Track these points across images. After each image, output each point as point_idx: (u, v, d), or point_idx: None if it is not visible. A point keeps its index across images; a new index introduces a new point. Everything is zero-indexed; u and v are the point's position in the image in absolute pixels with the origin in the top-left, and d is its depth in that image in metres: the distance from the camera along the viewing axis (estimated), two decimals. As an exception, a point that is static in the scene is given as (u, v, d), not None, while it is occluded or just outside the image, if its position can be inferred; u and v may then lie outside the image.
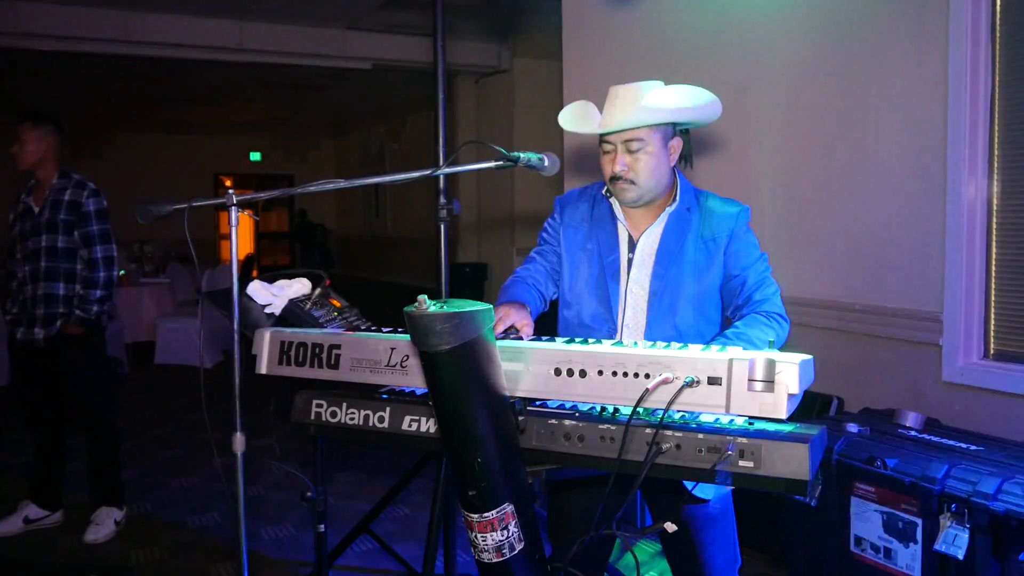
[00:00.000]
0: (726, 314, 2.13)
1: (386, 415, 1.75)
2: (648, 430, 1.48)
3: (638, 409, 1.47)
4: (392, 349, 1.71)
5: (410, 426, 1.72)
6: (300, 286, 2.53)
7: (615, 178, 2.04)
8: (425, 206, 3.06)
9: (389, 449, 5.12)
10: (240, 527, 2.08)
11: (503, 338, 1.73)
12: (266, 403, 2.32)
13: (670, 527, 1.53)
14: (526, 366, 1.57)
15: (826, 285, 3.60)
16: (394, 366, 1.71)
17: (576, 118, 2.10)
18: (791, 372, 1.39)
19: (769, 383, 1.39)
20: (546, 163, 2.03)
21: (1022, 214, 2.97)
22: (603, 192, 2.19)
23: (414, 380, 1.68)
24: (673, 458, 1.46)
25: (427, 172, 2.11)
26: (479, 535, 1.54)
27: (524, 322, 1.87)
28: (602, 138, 2.07)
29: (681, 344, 1.65)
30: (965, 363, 3.06)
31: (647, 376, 1.47)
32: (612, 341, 1.74)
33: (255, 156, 19.54)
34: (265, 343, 1.91)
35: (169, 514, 4.24)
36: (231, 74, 11.11)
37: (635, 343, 1.67)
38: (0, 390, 6.86)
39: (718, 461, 1.42)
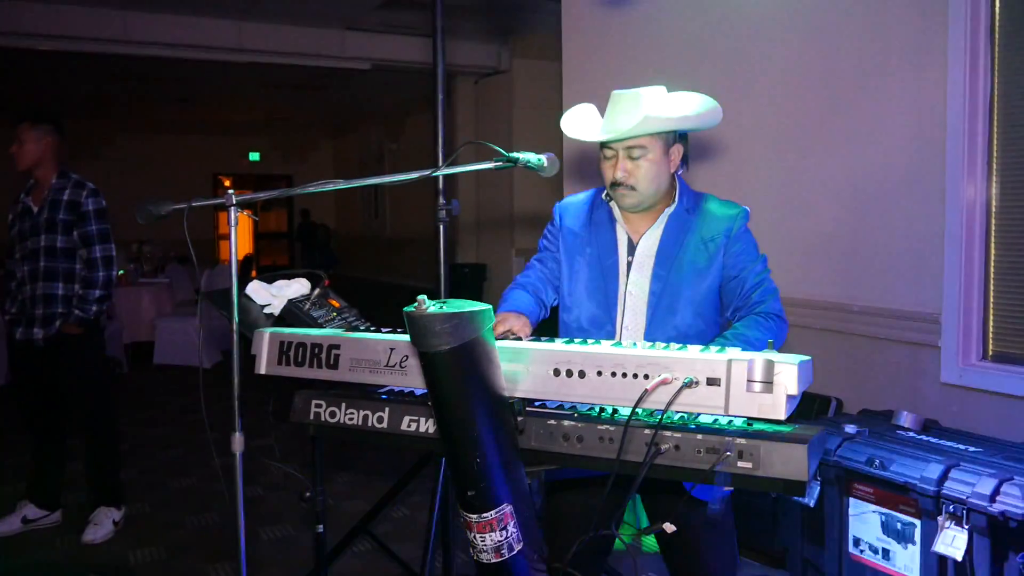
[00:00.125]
0: (725, 315, 2.13)
1: (385, 415, 1.75)
2: (647, 431, 1.48)
3: (637, 410, 1.47)
4: (391, 349, 1.71)
5: (409, 426, 1.72)
6: (299, 286, 2.53)
7: (616, 184, 2.05)
8: (424, 207, 3.06)
9: (388, 449, 5.12)
10: (239, 527, 2.08)
11: (503, 338, 1.73)
12: (265, 403, 2.32)
13: (669, 528, 1.53)
14: (525, 367, 1.57)
15: (825, 286, 3.60)
16: (393, 366, 1.71)
17: (578, 124, 2.10)
18: (790, 373, 1.39)
19: (768, 384, 1.39)
20: (545, 164, 2.03)
21: (1021, 216, 2.97)
22: (603, 196, 2.20)
23: (413, 380, 1.68)
24: (672, 459, 1.47)
25: (426, 173, 2.11)
26: (478, 535, 1.54)
27: (524, 331, 1.88)
28: (603, 144, 2.08)
29: (680, 345, 1.65)
30: (963, 364, 3.06)
31: (646, 377, 1.47)
32: (611, 342, 1.74)
33: (254, 156, 19.53)
34: (264, 343, 1.91)
35: (168, 514, 4.24)
36: (230, 74, 11.11)
37: (634, 344, 1.67)
38: (-1, 390, 6.86)
39: (717, 462, 1.43)
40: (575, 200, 2.28)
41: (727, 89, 3.95)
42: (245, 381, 2.07)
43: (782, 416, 1.39)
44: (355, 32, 9.64)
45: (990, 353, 3.07)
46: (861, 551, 2.65)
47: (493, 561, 1.55)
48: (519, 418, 1.58)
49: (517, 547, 1.55)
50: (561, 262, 2.22)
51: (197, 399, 6.75)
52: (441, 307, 1.42)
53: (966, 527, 2.30)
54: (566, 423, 1.56)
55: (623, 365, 1.50)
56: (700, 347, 1.61)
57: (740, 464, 1.42)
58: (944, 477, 2.39)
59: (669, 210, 2.11)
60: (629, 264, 2.11)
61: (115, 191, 5.82)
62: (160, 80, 11.68)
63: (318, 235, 18.35)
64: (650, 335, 2.06)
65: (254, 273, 12.77)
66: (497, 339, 1.78)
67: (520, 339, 1.77)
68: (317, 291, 2.48)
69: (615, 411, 1.58)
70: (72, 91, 12.55)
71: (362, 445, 5.23)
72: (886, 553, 2.56)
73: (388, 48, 9.88)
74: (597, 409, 1.60)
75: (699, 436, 1.45)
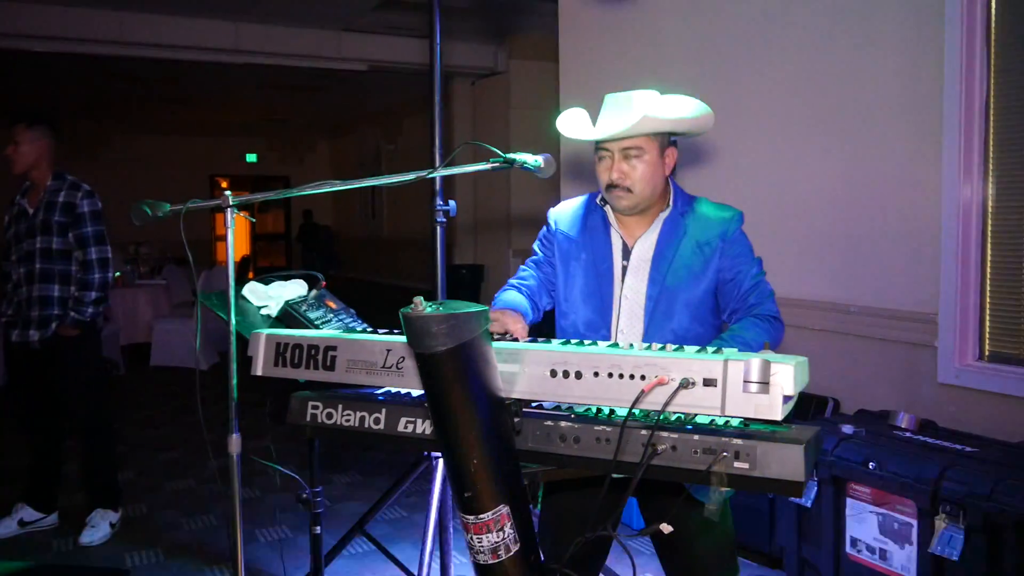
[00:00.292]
0: (722, 318, 2.14)
1: (382, 416, 1.75)
2: (644, 432, 1.48)
3: (634, 411, 1.47)
4: (388, 351, 1.71)
5: (406, 428, 1.72)
6: (296, 288, 2.53)
7: (611, 186, 2.05)
8: (421, 208, 3.06)
9: (385, 451, 5.12)
10: (236, 529, 2.08)
11: (500, 339, 1.73)
12: (262, 405, 2.32)
13: (666, 528, 1.53)
14: (522, 367, 1.57)
15: (821, 287, 3.61)
16: (390, 368, 1.71)
17: (574, 125, 2.10)
18: (786, 374, 1.39)
19: (764, 385, 1.39)
20: (542, 165, 2.03)
21: (1017, 217, 2.98)
22: (597, 200, 2.20)
23: (410, 382, 1.68)
24: (669, 459, 1.47)
25: (423, 173, 2.11)
26: (475, 537, 1.54)
27: (519, 326, 1.88)
28: (599, 146, 2.08)
29: (676, 346, 1.65)
30: (960, 365, 3.07)
31: (643, 378, 1.47)
32: (608, 343, 1.74)
33: (251, 157, 19.53)
34: (261, 345, 1.91)
35: (165, 516, 4.24)
36: (227, 75, 11.11)
37: (631, 345, 1.67)
38: (-5, 392, 6.84)
39: (713, 463, 1.43)
40: (569, 205, 2.28)
41: (723, 90, 3.95)
42: (242, 383, 2.07)
43: (778, 417, 1.39)
44: (352, 33, 9.64)
45: (986, 353, 3.07)
46: (858, 551, 2.65)
47: (490, 562, 1.55)
48: (516, 419, 1.58)
49: (514, 548, 1.55)
50: (556, 267, 2.22)
51: (194, 401, 6.74)
52: (438, 308, 1.42)
53: (963, 527, 2.30)
54: (563, 424, 1.56)
55: (620, 366, 1.50)
56: (696, 348, 1.61)
57: (737, 465, 1.42)
58: (941, 477, 2.39)
59: (664, 214, 2.12)
60: (624, 269, 2.12)
61: (112, 192, 5.82)
62: (157, 81, 11.68)
63: (320, 236, 18.35)
64: (647, 339, 2.06)
65: (251, 274, 12.76)
66: (494, 337, 1.79)
67: (517, 339, 1.77)
68: (314, 292, 2.48)
69: (612, 412, 1.58)
70: (69, 92, 12.54)
71: (359, 446, 5.23)
72: (883, 553, 2.57)
73: (385, 49, 9.88)
74: (594, 410, 1.60)
75: (696, 437, 1.45)
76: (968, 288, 3.06)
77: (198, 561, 3.69)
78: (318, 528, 2.69)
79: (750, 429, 1.48)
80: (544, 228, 2.30)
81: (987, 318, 3.07)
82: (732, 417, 1.48)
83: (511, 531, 1.54)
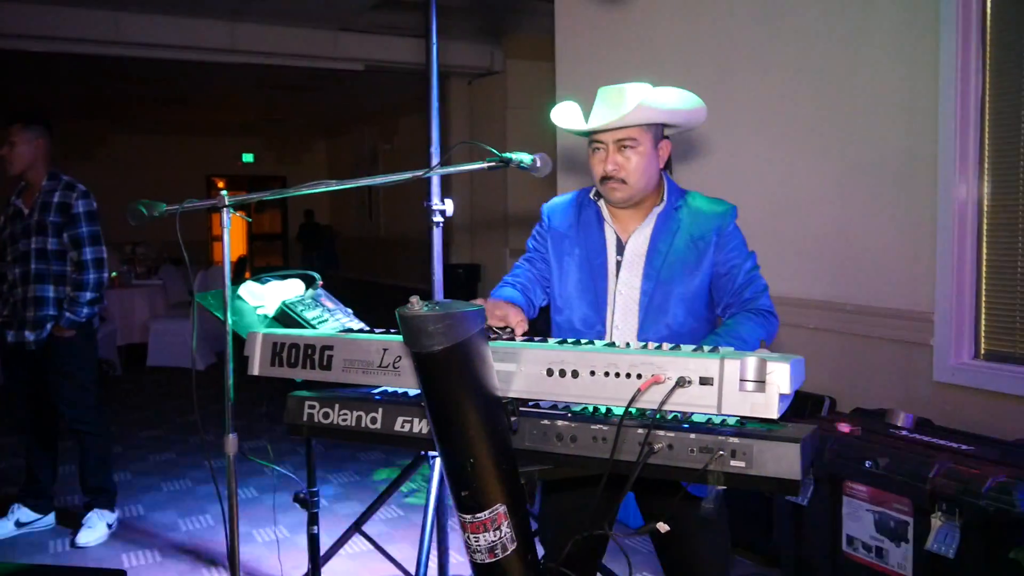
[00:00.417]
0: (716, 312, 2.14)
1: (379, 416, 1.75)
2: (640, 430, 1.48)
3: (630, 409, 1.47)
4: (385, 350, 1.71)
5: (403, 427, 1.72)
6: (293, 287, 2.53)
7: (606, 178, 2.05)
8: (419, 207, 3.06)
9: (382, 450, 5.12)
10: (233, 529, 2.08)
11: (497, 337, 1.73)
12: (259, 405, 2.32)
13: (663, 527, 1.53)
14: (518, 367, 1.57)
15: (818, 285, 3.61)
16: (387, 367, 1.71)
17: (568, 117, 2.10)
18: (782, 372, 1.39)
19: (760, 383, 1.40)
20: (538, 164, 2.03)
21: (1012, 214, 2.99)
22: (591, 196, 2.20)
23: (407, 381, 1.68)
24: (665, 458, 1.47)
25: (420, 173, 2.12)
26: (472, 536, 1.54)
27: (519, 318, 1.87)
28: (592, 138, 2.08)
29: (672, 344, 1.65)
30: (956, 363, 3.07)
31: (639, 376, 1.48)
32: (604, 342, 1.74)
33: (247, 157, 19.50)
34: (257, 345, 1.91)
35: (161, 517, 4.23)
36: (223, 75, 11.09)
37: (627, 343, 1.68)
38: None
39: (710, 461, 1.43)
40: (562, 200, 2.28)
41: (719, 89, 3.96)
42: (239, 383, 2.07)
43: (775, 415, 1.40)
44: (348, 33, 9.63)
45: (982, 352, 3.08)
46: (855, 549, 2.66)
47: (487, 561, 1.55)
48: (512, 418, 1.58)
49: (511, 547, 1.55)
50: (551, 263, 2.22)
51: (191, 401, 6.74)
52: (434, 307, 1.42)
53: (959, 525, 2.31)
54: (560, 423, 1.56)
55: (616, 365, 1.50)
56: (693, 347, 1.61)
57: (733, 463, 1.42)
58: (937, 475, 2.39)
59: (658, 209, 2.12)
60: (618, 264, 2.12)
61: (108, 192, 5.81)
62: (153, 81, 11.66)
63: (323, 236, 18.32)
64: (642, 334, 2.06)
65: (248, 274, 12.73)
66: (493, 327, 1.79)
67: (514, 338, 1.77)
68: (310, 292, 2.48)
69: (608, 411, 1.58)
70: (65, 92, 12.51)
71: (356, 446, 5.22)
72: (880, 551, 2.57)
73: (381, 49, 9.88)
74: (591, 409, 1.60)
75: (692, 435, 1.45)
76: (964, 287, 3.07)
77: (195, 562, 3.68)
78: (315, 528, 2.69)
79: (746, 428, 1.48)
80: (538, 224, 2.30)
81: (983, 316, 3.07)
82: (728, 416, 1.48)
83: (508, 530, 1.54)
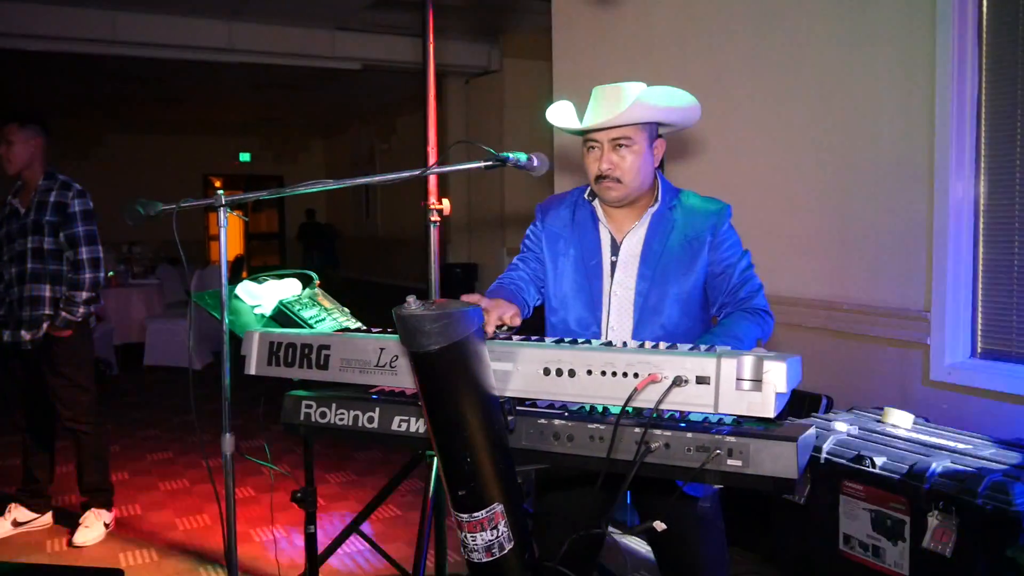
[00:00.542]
0: (711, 311, 2.14)
1: (375, 415, 1.75)
2: (637, 429, 1.48)
3: (628, 409, 1.47)
4: (381, 349, 1.71)
5: (400, 426, 1.72)
6: (290, 287, 2.53)
7: (601, 177, 2.05)
8: (416, 207, 3.06)
9: (379, 449, 5.11)
10: (230, 529, 2.08)
11: (494, 336, 1.73)
12: (256, 404, 2.32)
13: (659, 526, 1.53)
14: (515, 366, 1.58)
15: (815, 285, 3.62)
16: (383, 366, 1.71)
17: (564, 116, 2.10)
18: (779, 371, 1.39)
19: (757, 382, 1.40)
20: (535, 163, 2.03)
21: (1009, 213, 2.99)
22: (585, 195, 2.20)
23: (404, 380, 1.69)
24: (662, 457, 1.47)
25: (417, 172, 2.12)
26: (469, 535, 1.54)
27: (510, 312, 1.87)
28: (587, 137, 2.08)
29: (669, 343, 1.66)
30: (952, 362, 3.08)
31: (636, 375, 1.48)
32: (601, 341, 1.74)
33: (244, 157, 19.46)
34: (254, 344, 1.91)
35: (159, 516, 4.23)
36: (220, 74, 11.08)
37: (624, 343, 1.68)
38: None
39: (707, 460, 1.43)
40: (557, 200, 2.28)
41: (716, 87, 3.96)
42: (236, 382, 2.06)
43: (771, 414, 1.40)
44: (345, 32, 9.62)
45: (979, 351, 3.08)
46: (852, 548, 2.66)
47: (484, 560, 1.55)
48: (509, 417, 1.58)
49: (508, 546, 1.55)
50: (545, 263, 2.22)
51: (188, 400, 6.73)
52: (431, 307, 1.42)
53: (955, 524, 2.31)
54: (557, 422, 1.57)
55: (613, 364, 1.50)
56: (689, 346, 1.62)
57: (730, 462, 1.42)
58: (934, 474, 2.40)
59: (652, 209, 2.12)
60: (613, 264, 2.12)
61: (104, 192, 5.81)
62: (150, 80, 11.64)
63: (325, 235, 18.29)
64: (637, 335, 2.06)
65: (245, 274, 12.73)
66: (490, 327, 1.79)
67: (511, 337, 1.77)
68: (307, 291, 2.48)
69: (606, 410, 1.58)
70: (61, 91, 12.49)
71: (353, 445, 5.22)
72: (876, 550, 2.58)
73: (378, 48, 9.86)
74: (588, 408, 1.60)
75: (689, 434, 1.46)
76: (960, 286, 3.07)
77: (192, 561, 3.68)
78: (312, 527, 2.69)
79: (743, 427, 1.48)
80: (532, 223, 2.29)
81: (979, 315, 3.08)
82: (725, 415, 1.49)
83: (505, 529, 1.54)
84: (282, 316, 2.38)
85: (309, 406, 1.83)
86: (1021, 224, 2.95)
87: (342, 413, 1.79)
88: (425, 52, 3.05)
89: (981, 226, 3.06)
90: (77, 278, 3.79)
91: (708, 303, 2.13)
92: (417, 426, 1.70)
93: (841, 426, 2.84)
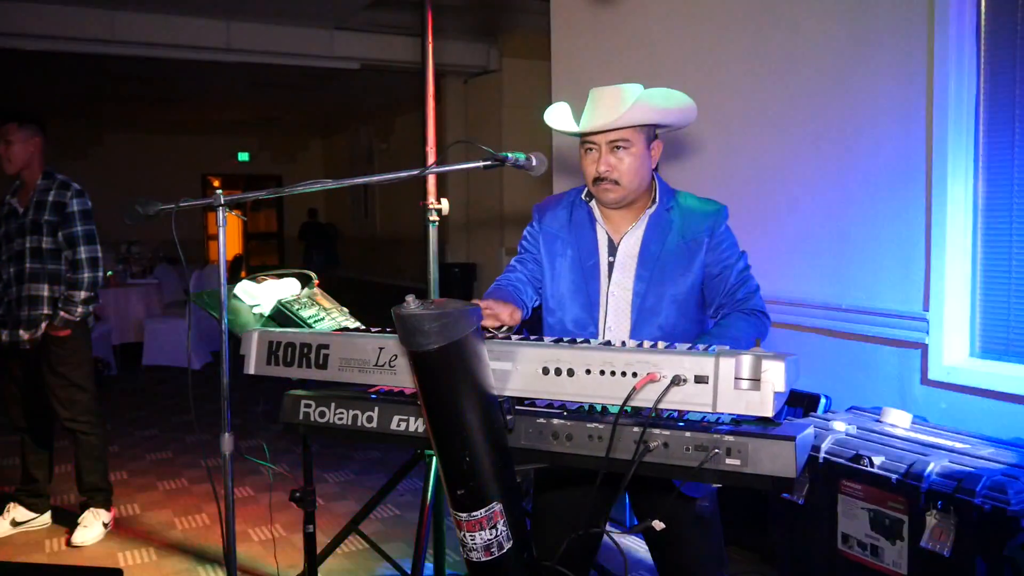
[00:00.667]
0: (708, 313, 2.14)
1: (375, 415, 1.75)
2: (636, 428, 1.48)
3: (627, 408, 1.47)
4: (380, 349, 1.71)
5: (399, 426, 1.72)
6: (289, 286, 2.54)
7: (598, 179, 2.05)
8: (414, 206, 3.06)
9: (378, 449, 5.12)
10: (229, 528, 2.08)
11: (492, 336, 1.73)
12: (255, 404, 2.32)
13: (658, 525, 1.54)
14: (514, 365, 1.58)
15: (813, 285, 3.62)
16: (382, 366, 1.71)
17: (562, 118, 2.10)
18: (777, 370, 1.40)
19: (755, 381, 1.40)
20: (534, 163, 2.03)
21: (1006, 215, 2.99)
22: (582, 196, 2.20)
23: (403, 380, 1.69)
24: (661, 456, 1.47)
25: (415, 172, 2.12)
26: (468, 534, 1.55)
27: (507, 311, 1.87)
28: (584, 139, 2.08)
29: (668, 343, 1.66)
30: (950, 362, 3.08)
31: (635, 375, 1.48)
32: (600, 341, 1.74)
33: (243, 156, 19.44)
34: (253, 343, 1.91)
35: (158, 516, 4.23)
36: (219, 74, 11.07)
37: (623, 342, 1.68)
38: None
39: (705, 459, 1.43)
40: (554, 201, 2.28)
41: (715, 88, 3.96)
42: (235, 382, 2.06)
43: (770, 413, 1.40)
44: (344, 32, 9.62)
45: (977, 351, 3.09)
46: (850, 547, 2.66)
47: (483, 560, 1.55)
48: (508, 416, 1.58)
49: (507, 545, 1.55)
50: (542, 264, 2.22)
51: (187, 400, 6.73)
52: (430, 306, 1.42)
53: (953, 523, 2.32)
54: (555, 421, 1.57)
55: (612, 363, 1.50)
56: (688, 345, 1.62)
57: (728, 461, 1.42)
58: (932, 474, 2.40)
59: (650, 210, 2.12)
60: (611, 265, 2.12)
61: (103, 191, 5.80)
62: (148, 80, 11.63)
63: (328, 234, 18.28)
64: (635, 335, 2.07)
65: (243, 273, 12.72)
66: (487, 327, 1.79)
67: (511, 331, 1.77)
68: (306, 291, 2.48)
69: (604, 409, 1.58)
70: (60, 91, 12.48)
71: (352, 445, 5.22)
72: (875, 549, 2.58)
73: (377, 48, 9.86)
74: (586, 407, 1.61)
75: (688, 434, 1.46)
76: (958, 286, 3.08)
77: (191, 560, 3.68)
78: (311, 527, 2.69)
79: (742, 426, 1.48)
80: (529, 224, 2.30)
81: (977, 316, 3.08)
82: (724, 414, 1.49)
83: (504, 528, 1.54)
84: (281, 316, 2.38)
85: (308, 405, 1.83)
86: (1019, 224, 2.96)
87: (341, 412, 1.79)
88: (424, 52, 3.05)
89: (979, 227, 3.06)
90: (76, 278, 3.79)
91: (705, 304, 2.13)
92: (416, 425, 1.70)
93: (840, 425, 2.85)
